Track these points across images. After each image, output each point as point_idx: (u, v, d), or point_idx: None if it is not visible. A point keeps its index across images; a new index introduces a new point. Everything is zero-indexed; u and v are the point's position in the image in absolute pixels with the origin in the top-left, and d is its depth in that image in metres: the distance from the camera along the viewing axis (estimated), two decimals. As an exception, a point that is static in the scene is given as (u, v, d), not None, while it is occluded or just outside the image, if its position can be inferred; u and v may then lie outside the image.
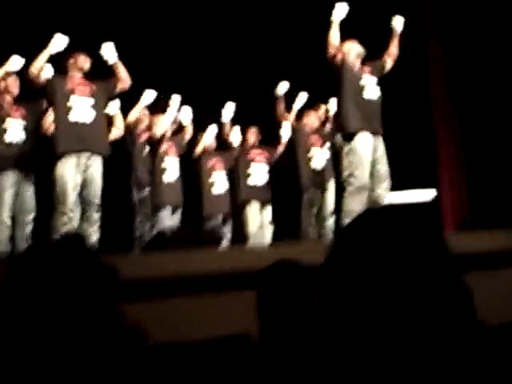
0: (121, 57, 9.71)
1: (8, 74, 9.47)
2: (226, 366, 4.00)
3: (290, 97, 11.91)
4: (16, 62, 9.38)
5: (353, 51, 9.89)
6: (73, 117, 9.28)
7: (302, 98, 11.92)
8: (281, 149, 12.23)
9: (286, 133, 11.97)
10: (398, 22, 10.19)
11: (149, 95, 10.71)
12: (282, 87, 11.56)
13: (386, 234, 1.74)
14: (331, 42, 9.74)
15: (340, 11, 9.74)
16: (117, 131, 10.40)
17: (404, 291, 1.67)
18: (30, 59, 9.27)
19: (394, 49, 10.16)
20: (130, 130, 10.98)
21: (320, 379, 1.72)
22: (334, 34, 9.76)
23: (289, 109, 11.90)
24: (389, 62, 10.11)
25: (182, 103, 11.69)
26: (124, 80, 9.61)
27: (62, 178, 9.13)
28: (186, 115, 11.79)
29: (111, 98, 9.96)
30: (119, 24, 12.81)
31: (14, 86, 9.73)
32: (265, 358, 3.54)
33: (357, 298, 1.69)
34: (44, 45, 9.21)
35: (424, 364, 1.64)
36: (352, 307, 1.70)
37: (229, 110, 12.06)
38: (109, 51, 9.64)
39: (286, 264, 3.92)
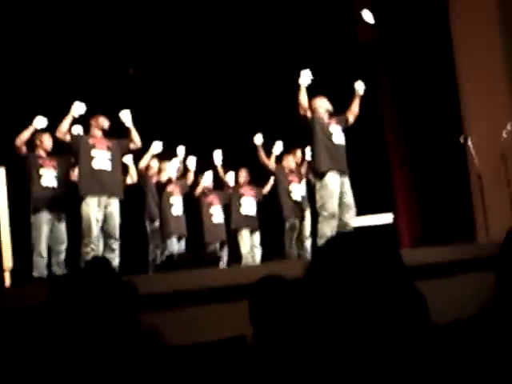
0: (133, 114, 9.78)
1: (35, 132, 9.50)
2: (226, 362, 4.00)
3: (271, 143, 11.95)
4: (40, 122, 9.46)
5: (322, 107, 9.96)
6: (94, 166, 9.33)
7: (279, 146, 11.96)
8: (268, 187, 12.29)
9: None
10: (359, 86, 10.23)
11: (156, 146, 10.74)
12: (258, 138, 11.63)
13: (353, 253, 1.76)
14: (301, 104, 9.80)
15: (305, 77, 9.79)
16: (130, 179, 10.45)
17: (367, 298, 1.69)
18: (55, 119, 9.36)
19: (355, 108, 10.19)
20: (142, 174, 10.98)
21: (303, 372, 1.73)
22: (302, 97, 9.79)
23: (270, 153, 11.92)
24: (351, 118, 10.14)
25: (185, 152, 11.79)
26: (136, 142, 9.76)
27: (87, 216, 9.17)
28: (192, 163, 11.92)
29: (125, 153, 10.03)
30: (130, 87, 12.81)
31: (46, 142, 9.75)
32: (258, 356, 3.55)
33: (330, 304, 1.71)
34: (67, 107, 9.29)
35: (384, 355, 1.65)
36: (326, 311, 1.71)
37: (218, 156, 12.29)
38: (126, 117, 9.77)
39: (272, 279, 3.93)
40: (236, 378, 3.32)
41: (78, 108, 9.30)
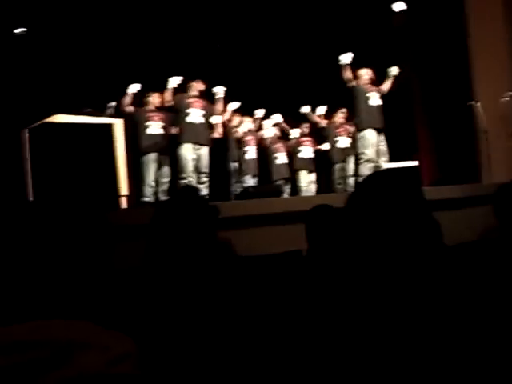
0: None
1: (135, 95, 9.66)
2: (287, 271, 4.00)
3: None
4: (134, 87, 9.65)
5: (363, 76, 9.95)
6: (190, 119, 9.37)
7: (322, 108, 12.02)
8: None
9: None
10: (393, 70, 10.18)
11: (234, 105, 10.70)
12: (304, 108, 11.74)
13: (384, 188, 1.74)
14: (344, 78, 9.84)
15: (346, 57, 9.76)
16: (218, 134, 10.37)
17: (395, 222, 1.67)
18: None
19: (386, 86, 10.26)
20: (226, 126, 10.97)
21: (345, 279, 1.73)
22: (345, 73, 9.82)
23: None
24: (385, 88, 10.19)
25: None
26: (221, 111, 10.06)
27: (184, 156, 9.24)
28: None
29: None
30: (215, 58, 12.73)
31: (155, 100, 9.79)
32: (311, 266, 3.56)
33: (365, 226, 1.69)
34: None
35: (406, 270, 1.64)
36: (362, 232, 1.70)
37: (279, 117, 12.15)
38: (220, 91, 10.05)
39: (323, 207, 3.93)
40: (293, 284, 3.32)
41: (175, 80, 9.41)
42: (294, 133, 12.21)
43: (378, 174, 1.95)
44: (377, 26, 13.14)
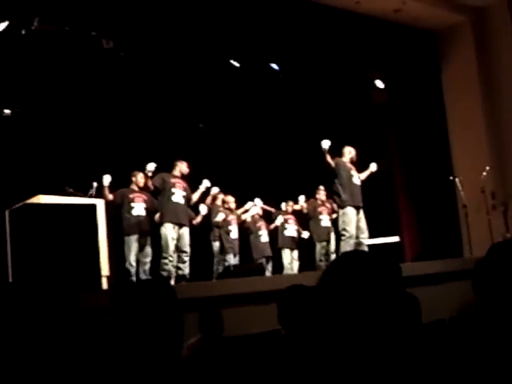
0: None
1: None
2: (266, 350, 3.93)
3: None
4: (106, 179, 9.51)
5: (346, 156, 10.11)
6: (174, 199, 9.43)
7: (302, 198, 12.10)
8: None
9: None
10: (372, 167, 10.44)
11: (214, 189, 10.75)
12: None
13: (357, 265, 1.71)
14: (326, 162, 9.96)
15: (325, 144, 9.89)
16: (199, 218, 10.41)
17: (368, 300, 1.64)
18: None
19: (363, 176, 10.47)
20: (209, 207, 10.99)
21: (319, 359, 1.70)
22: (327, 158, 9.92)
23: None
24: (361, 177, 10.40)
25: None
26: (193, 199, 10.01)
27: (166, 236, 9.27)
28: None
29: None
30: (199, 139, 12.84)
31: (138, 181, 9.79)
32: (289, 346, 3.49)
33: (337, 303, 1.66)
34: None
35: (381, 346, 1.60)
36: (334, 309, 1.66)
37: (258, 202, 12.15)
38: (204, 185, 10.21)
39: (296, 287, 3.90)
40: (269, 365, 3.26)
41: (151, 166, 9.45)
42: (278, 216, 12.25)
43: (353, 251, 1.92)
44: (356, 103, 13.36)
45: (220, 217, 11.08)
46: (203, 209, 10.37)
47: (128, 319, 2.13)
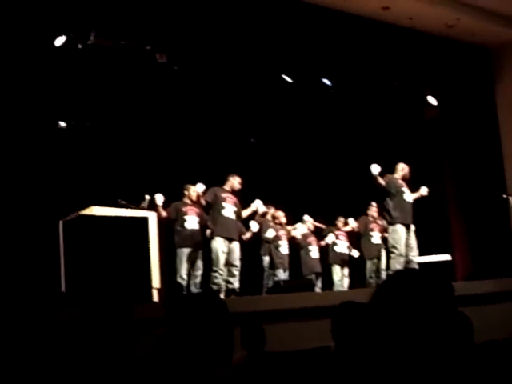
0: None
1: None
2: (315, 366, 3.93)
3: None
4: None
5: (399, 171, 10.05)
6: (224, 213, 9.51)
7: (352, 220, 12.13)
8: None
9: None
10: (423, 191, 10.39)
11: (257, 203, 10.61)
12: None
13: (412, 283, 1.71)
14: (378, 183, 9.99)
15: (375, 169, 9.86)
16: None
17: (420, 318, 1.63)
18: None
19: (414, 197, 10.38)
20: (259, 222, 11.03)
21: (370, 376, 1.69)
22: (377, 181, 9.93)
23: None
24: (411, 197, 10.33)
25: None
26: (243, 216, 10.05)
27: (217, 250, 9.35)
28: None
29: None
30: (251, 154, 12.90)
31: (191, 195, 9.84)
32: (337, 364, 3.49)
33: (389, 321, 1.66)
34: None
35: (432, 367, 1.59)
36: (387, 327, 1.66)
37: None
38: (257, 204, 10.20)
39: (349, 303, 3.89)
40: (322, 379, 3.26)
41: (200, 188, 9.57)
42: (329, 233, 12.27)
43: (406, 269, 1.90)
44: (408, 119, 13.27)
45: (270, 233, 11.09)
46: (254, 226, 10.37)
47: (180, 332, 2.15)
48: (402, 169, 10.27)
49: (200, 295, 2.47)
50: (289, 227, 11.75)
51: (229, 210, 9.61)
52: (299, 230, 11.85)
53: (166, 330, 2.22)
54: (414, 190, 10.38)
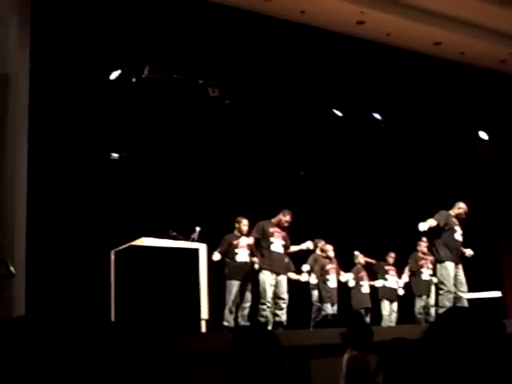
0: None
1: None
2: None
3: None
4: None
5: (459, 210, 10.02)
6: (272, 248, 9.56)
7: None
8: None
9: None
10: (468, 252, 10.15)
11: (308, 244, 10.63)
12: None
13: (464, 321, 1.71)
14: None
15: (422, 228, 9.73)
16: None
17: (472, 359, 1.62)
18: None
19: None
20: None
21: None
22: (430, 226, 9.79)
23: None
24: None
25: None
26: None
27: (264, 282, 9.37)
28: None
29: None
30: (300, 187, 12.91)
31: (243, 227, 9.87)
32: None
33: (441, 362, 1.65)
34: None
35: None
36: (439, 370, 1.66)
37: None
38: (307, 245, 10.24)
39: (399, 340, 3.86)
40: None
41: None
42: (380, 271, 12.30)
43: (457, 307, 1.90)
44: (460, 154, 13.16)
45: (332, 283, 11.20)
46: (305, 269, 10.44)
47: (237, 365, 2.17)
48: (460, 208, 10.11)
49: (253, 328, 2.50)
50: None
51: (277, 244, 9.63)
52: (346, 277, 11.79)
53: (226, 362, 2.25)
54: (466, 224, 10.26)
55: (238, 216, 9.94)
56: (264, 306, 9.38)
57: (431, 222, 9.73)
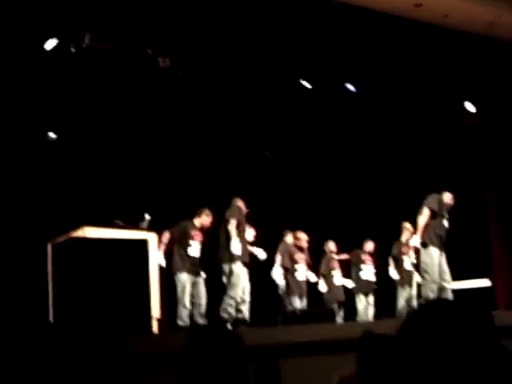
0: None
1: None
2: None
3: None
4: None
5: (447, 200, 10.12)
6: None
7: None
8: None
9: None
10: None
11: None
12: None
13: (445, 313, 1.70)
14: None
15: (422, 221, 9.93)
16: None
17: (458, 356, 1.61)
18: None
19: None
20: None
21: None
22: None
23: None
24: None
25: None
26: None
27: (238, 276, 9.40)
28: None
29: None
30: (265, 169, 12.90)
31: (204, 221, 9.82)
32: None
33: (419, 360, 1.65)
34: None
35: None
36: (415, 367, 1.65)
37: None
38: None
39: (373, 335, 3.86)
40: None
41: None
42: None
43: (439, 299, 1.90)
44: (445, 127, 13.23)
45: (300, 275, 11.29)
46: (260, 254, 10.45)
47: (191, 370, 2.17)
48: (450, 199, 10.21)
49: (212, 327, 2.49)
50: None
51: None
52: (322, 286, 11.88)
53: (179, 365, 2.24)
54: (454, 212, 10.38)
55: (192, 200, 9.88)
56: (231, 301, 9.33)
57: (426, 212, 9.89)
